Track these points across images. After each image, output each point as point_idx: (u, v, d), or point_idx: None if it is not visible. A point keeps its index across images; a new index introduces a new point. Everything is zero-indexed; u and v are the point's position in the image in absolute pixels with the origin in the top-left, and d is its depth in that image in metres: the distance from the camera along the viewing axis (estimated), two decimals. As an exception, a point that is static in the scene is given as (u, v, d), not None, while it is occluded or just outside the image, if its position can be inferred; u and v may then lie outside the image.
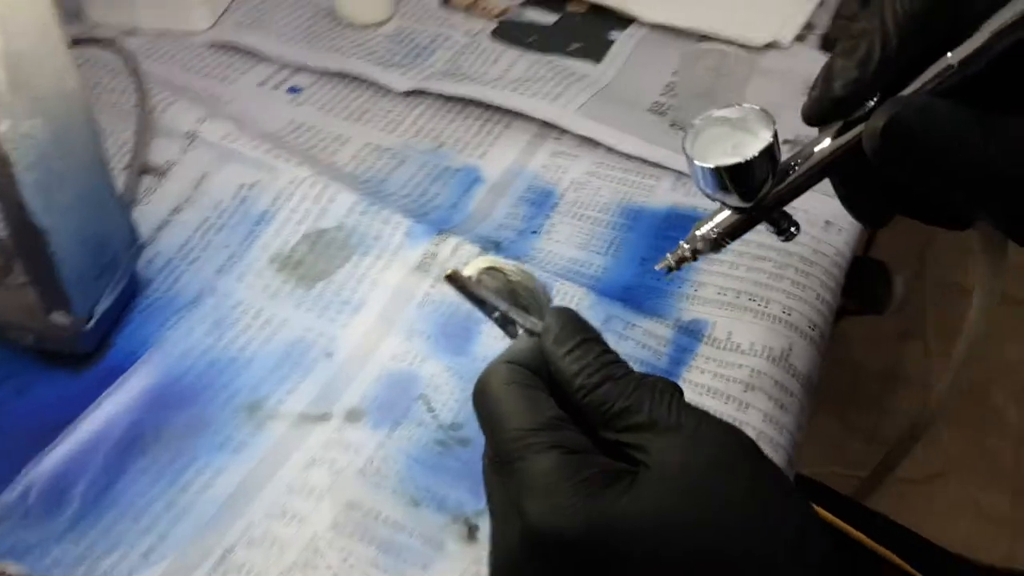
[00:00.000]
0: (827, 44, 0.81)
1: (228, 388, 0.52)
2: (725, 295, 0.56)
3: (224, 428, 0.50)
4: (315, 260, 0.58)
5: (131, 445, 0.49)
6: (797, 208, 0.62)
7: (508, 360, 0.36)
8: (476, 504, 0.46)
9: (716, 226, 0.42)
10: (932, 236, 1.50)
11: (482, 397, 0.35)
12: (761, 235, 0.60)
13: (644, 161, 0.67)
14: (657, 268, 0.44)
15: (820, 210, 0.62)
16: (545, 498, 0.31)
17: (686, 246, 0.43)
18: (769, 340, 0.53)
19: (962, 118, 0.34)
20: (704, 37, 0.79)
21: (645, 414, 0.33)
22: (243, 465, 0.48)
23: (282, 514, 0.47)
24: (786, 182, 0.41)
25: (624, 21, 0.83)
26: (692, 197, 0.64)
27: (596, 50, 0.79)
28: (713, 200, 0.41)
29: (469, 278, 0.40)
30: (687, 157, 0.40)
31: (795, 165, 0.41)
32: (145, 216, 0.60)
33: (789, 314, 0.55)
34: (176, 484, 0.47)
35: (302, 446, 0.49)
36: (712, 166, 0.39)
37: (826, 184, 0.64)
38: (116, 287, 0.53)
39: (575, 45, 0.80)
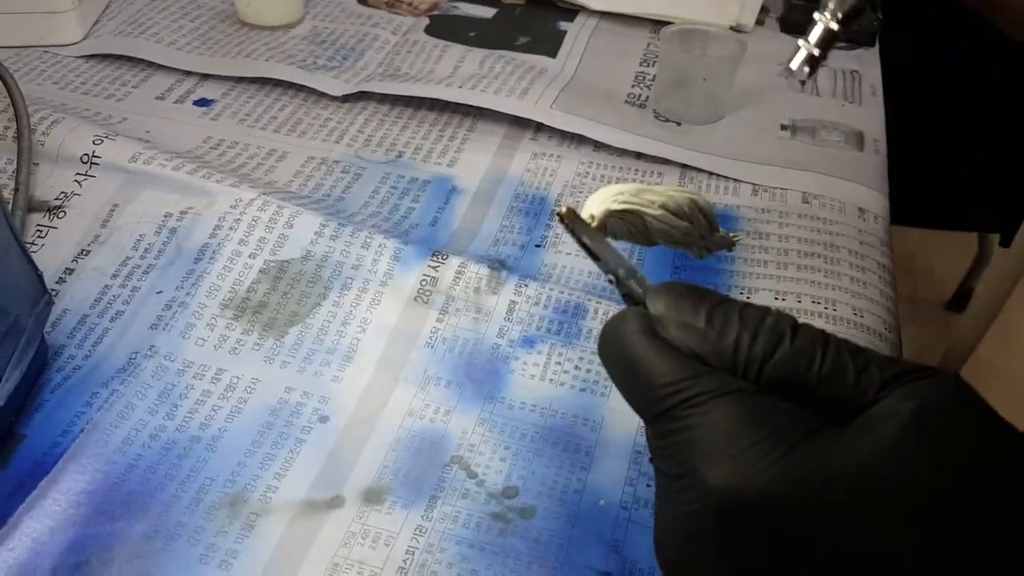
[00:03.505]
0: (787, 26, 0.75)
1: (195, 480, 0.38)
2: (785, 299, 0.48)
3: (201, 536, 0.37)
4: (282, 301, 0.46)
5: (73, 577, 0.35)
6: (828, 196, 0.55)
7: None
8: (560, 594, 0.35)
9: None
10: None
11: (613, 346, 0.28)
12: (803, 230, 0.53)
13: (639, 156, 0.58)
14: (788, 73, 0.44)
15: (850, 196, 0.55)
16: (727, 458, 0.24)
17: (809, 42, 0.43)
18: (851, 346, 0.45)
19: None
20: (659, 24, 0.72)
21: (852, 372, 0.26)
22: (237, 584, 0.35)
23: (302, 645, 0.34)
24: None
25: (568, 12, 0.75)
26: (707, 193, 0.55)
27: (548, 43, 0.70)
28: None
29: (588, 220, 0.31)
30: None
31: None
32: (40, 264, 0.46)
33: (862, 316, 0.47)
34: (144, 623, 0.34)
35: (314, 547, 0.37)
36: None
37: (853, 170, 0.58)
38: (22, 359, 0.39)
39: (523, 39, 0.71)
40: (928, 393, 0.25)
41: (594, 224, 0.32)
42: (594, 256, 0.31)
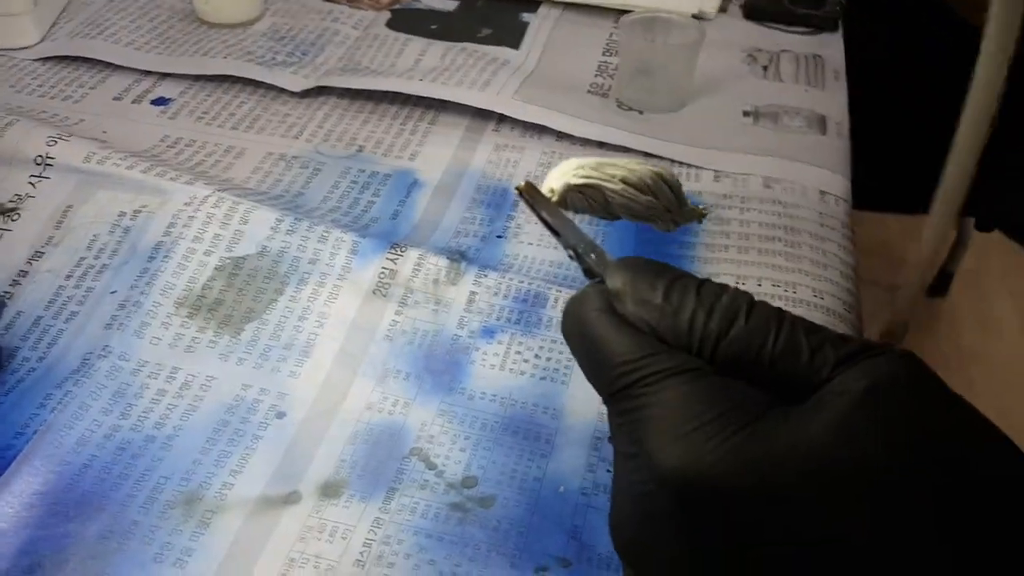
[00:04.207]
0: (751, 13, 0.75)
1: (149, 479, 0.38)
2: (745, 283, 0.48)
3: (155, 534, 0.36)
4: (237, 297, 0.45)
5: (24, 580, 0.34)
6: (789, 180, 0.55)
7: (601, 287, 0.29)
8: (519, 583, 0.35)
9: None
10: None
11: (573, 326, 0.28)
12: (764, 214, 0.53)
13: (602, 145, 0.58)
14: None
15: (812, 180, 0.55)
16: (679, 438, 0.24)
17: None
18: (811, 328, 0.45)
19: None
20: (622, 13, 0.72)
21: (806, 351, 0.25)
22: (192, 582, 0.35)
23: (259, 642, 0.34)
24: None
25: (531, 3, 0.74)
26: (668, 179, 0.55)
27: (510, 35, 0.70)
28: None
29: (548, 195, 0.31)
30: None
31: None
32: (-7, 267, 0.45)
33: (822, 298, 0.47)
34: (98, 625, 0.34)
35: (270, 543, 0.36)
36: None
37: (815, 154, 0.57)
38: (-30, 362, 0.38)
39: (485, 31, 0.70)
40: (881, 371, 0.24)
41: (554, 199, 0.32)
42: (554, 231, 0.31)
